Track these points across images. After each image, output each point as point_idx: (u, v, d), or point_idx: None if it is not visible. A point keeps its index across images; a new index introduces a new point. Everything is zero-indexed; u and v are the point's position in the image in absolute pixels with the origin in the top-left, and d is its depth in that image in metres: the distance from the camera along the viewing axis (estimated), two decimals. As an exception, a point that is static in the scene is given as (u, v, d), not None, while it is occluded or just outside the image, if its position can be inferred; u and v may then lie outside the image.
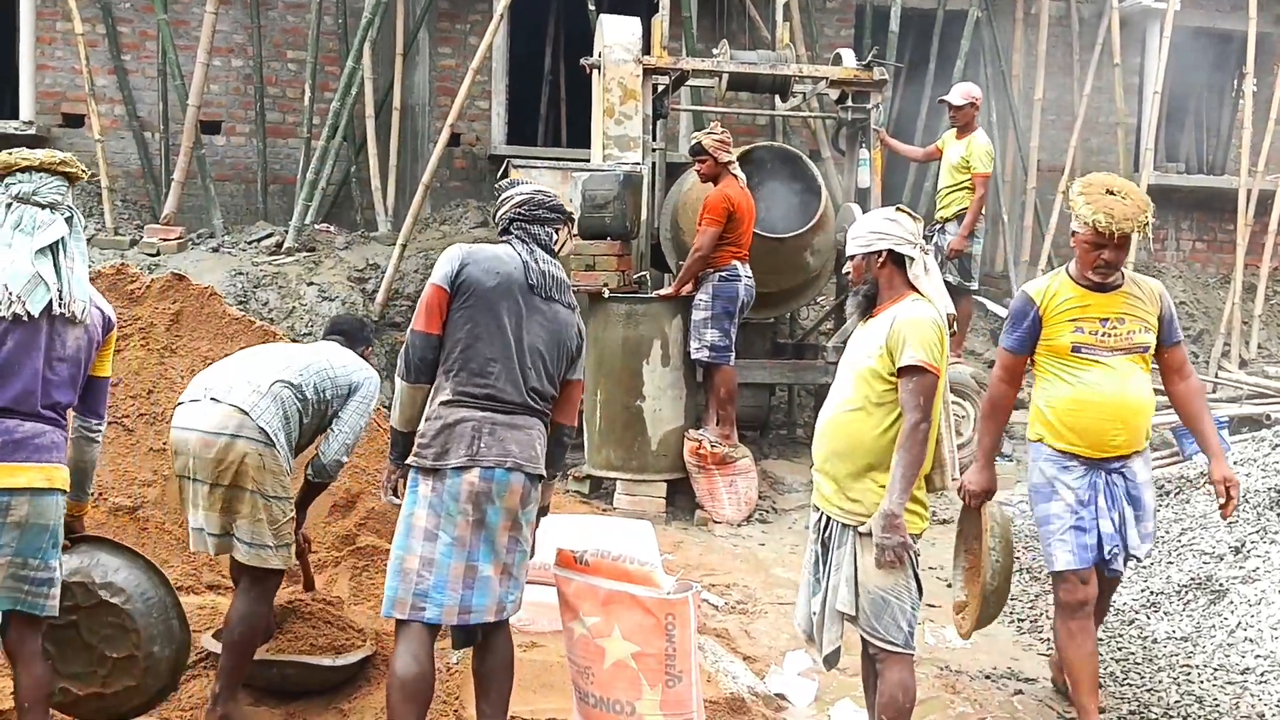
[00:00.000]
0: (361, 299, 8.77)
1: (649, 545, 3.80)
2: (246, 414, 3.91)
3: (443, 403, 3.41)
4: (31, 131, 9.75)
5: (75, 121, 9.98)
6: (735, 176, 6.98)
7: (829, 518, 3.75)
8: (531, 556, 3.57)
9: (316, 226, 9.64)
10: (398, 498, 3.55)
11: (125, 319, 5.84)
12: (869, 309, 3.82)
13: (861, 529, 3.61)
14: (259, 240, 9.42)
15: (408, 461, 3.46)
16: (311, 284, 8.75)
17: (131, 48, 10.09)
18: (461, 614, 3.32)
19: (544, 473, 3.50)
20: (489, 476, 3.33)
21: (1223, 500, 4.05)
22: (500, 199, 3.71)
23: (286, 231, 9.35)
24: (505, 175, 8.18)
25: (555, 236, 3.66)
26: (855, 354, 3.76)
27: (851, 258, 3.84)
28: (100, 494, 5.26)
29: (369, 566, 5.49)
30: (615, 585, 3.48)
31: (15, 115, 10.10)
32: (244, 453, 3.88)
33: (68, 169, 3.51)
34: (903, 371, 3.57)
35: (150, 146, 10.04)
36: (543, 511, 3.65)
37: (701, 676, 3.92)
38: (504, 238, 3.65)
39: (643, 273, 7.54)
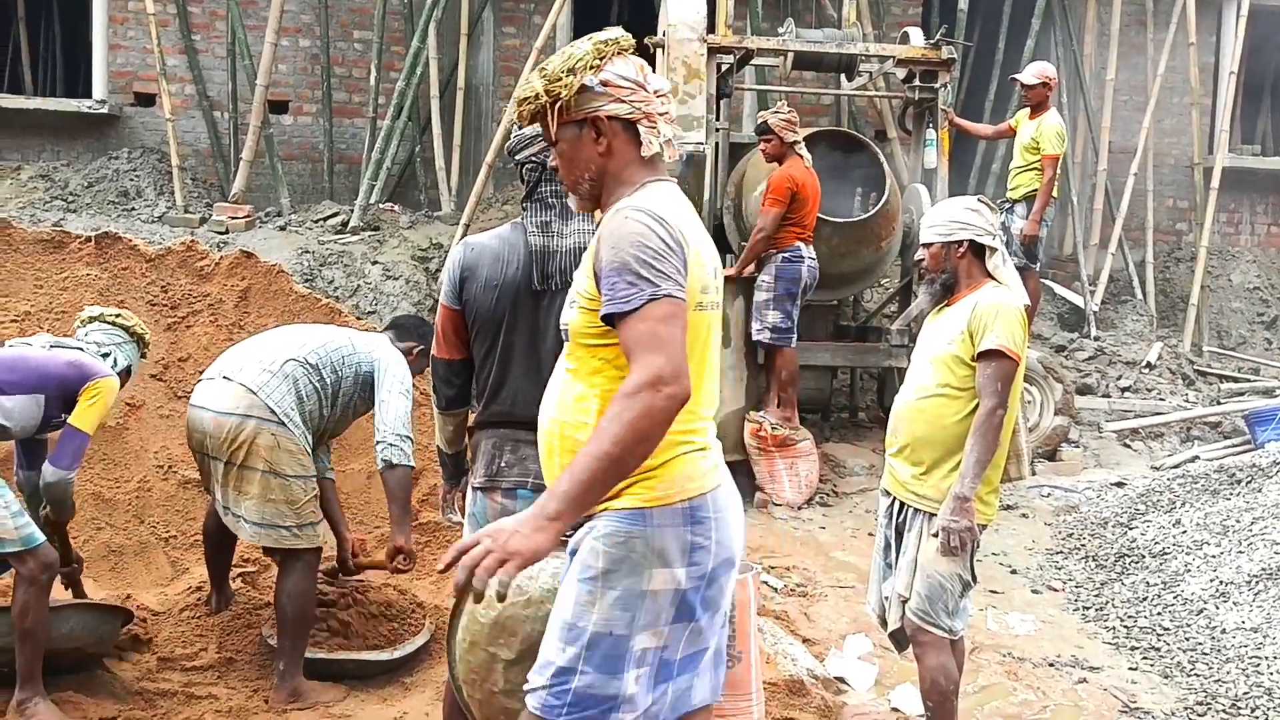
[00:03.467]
0: (425, 278, 8.82)
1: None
2: (254, 394, 3.96)
3: (472, 425, 3.23)
4: (104, 110, 9.92)
5: (146, 101, 10.13)
6: (800, 157, 6.92)
7: (902, 503, 3.73)
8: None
9: (381, 206, 9.72)
10: (457, 515, 3.42)
11: (195, 295, 5.95)
12: (944, 298, 3.78)
13: (934, 521, 3.59)
14: (325, 219, 9.52)
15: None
16: (376, 263, 8.81)
17: (202, 28, 10.22)
18: None
19: None
20: (511, 497, 3.07)
21: None
22: (523, 134, 3.06)
23: (352, 211, 9.44)
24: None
25: None
26: (933, 341, 3.72)
27: (928, 245, 3.78)
28: (170, 467, 5.36)
29: (430, 542, 5.56)
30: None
31: (89, 94, 10.27)
32: (256, 432, 3.94)
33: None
34: (983, 356, 3.53)
35: (219, 125, 10.17)
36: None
37: (761, 658, 3.91)
38: (524, 204, 3.11)
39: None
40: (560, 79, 2.36)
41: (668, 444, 2.24)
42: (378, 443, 4.10)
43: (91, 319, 4.24)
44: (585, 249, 2.89)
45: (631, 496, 2.28)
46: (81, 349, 4.05)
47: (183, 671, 4.18)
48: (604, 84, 2.37)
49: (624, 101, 2.38)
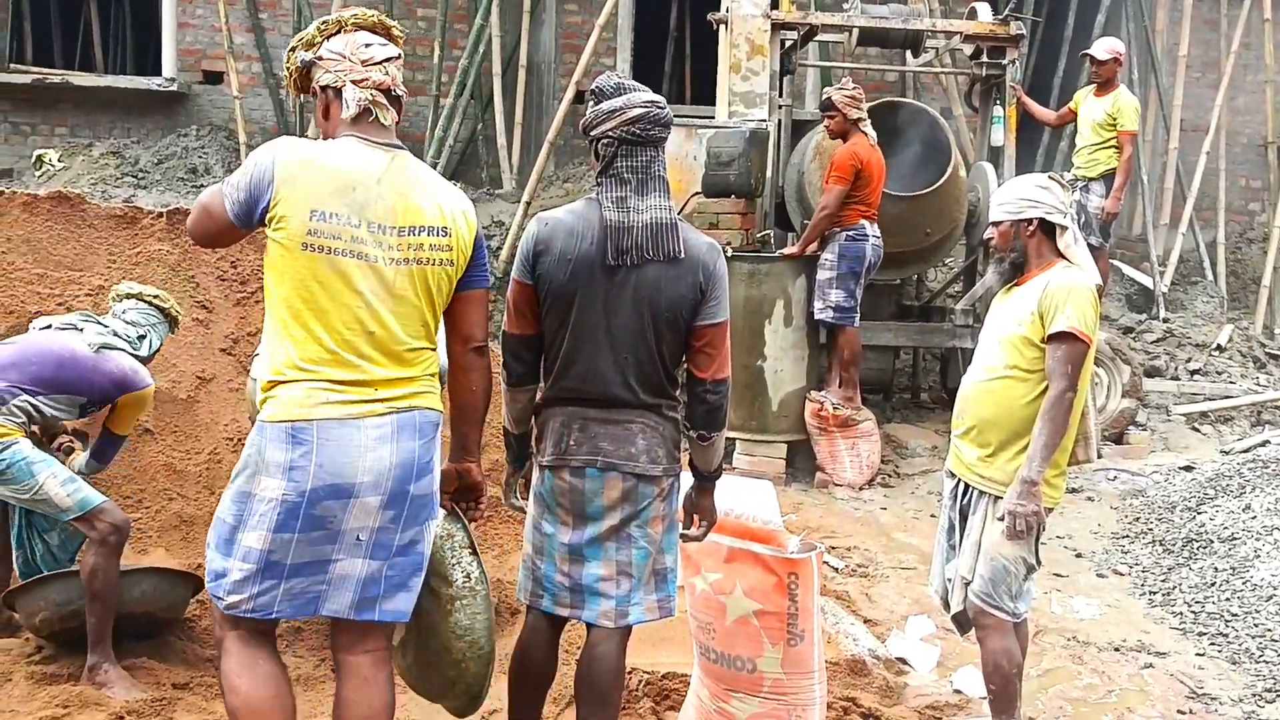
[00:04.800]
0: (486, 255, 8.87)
1: (770, 505, 3.76)
2: None
3: (539, 403, 3.19)
4: (173, 88, 10.06)
5: (214, 78, 10.26)
6: (865, 134, 6.85)
7: (966, 485, 3.70)
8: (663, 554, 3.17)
9: (443, 183, 9.77)
10: (518, 500, 3.34)
11: (263, 271, 6.03)
12: (1013, 277, 3.73)
13: (1000, 504, 3.56)
14: (388, 196, 9.59)
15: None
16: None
17: (268, 6, 10.31)
18: (572, 609, 3.10)
19: (652, 471, 3.06)
20: (579, 476, 3.05)
21: None
22: (599, 110, 3.04)
23: (415, 188, 9.49)
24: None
25: (664, 159, 3.08)
26: (1002, 321, 3.68)
27: (997, 223, 3.73)
28: (240, 439, 5.45)
29: (493, 517, 5.60)
30: (738, 543, 3.47)
31: (158, 72, 10.43)
32: None
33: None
34: (1053, 338, 3.49)
35: (285, 103, 10.28)
36: (714, 475, 3.24)
37: (822, 638, 3.90)
38: (598, 179, 3.06)
39: (766, 231, 7.47)
40: (288, 56, 2.85)
41: (291, 369, 2.64)
42: None
43: (129, 295, 4.30)
44: (662, 224, 2.97)
45: (261, 410, 2.68)
46: (115, 336, 4.12)
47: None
48: (319, 59, 2.78)
49: (330, 72, 2.76)
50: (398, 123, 2.85)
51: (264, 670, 2.74)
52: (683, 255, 3.01)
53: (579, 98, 9.95)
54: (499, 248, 8.98)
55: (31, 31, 11.80)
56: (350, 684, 2.81)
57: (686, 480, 3.28)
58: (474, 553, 2.97)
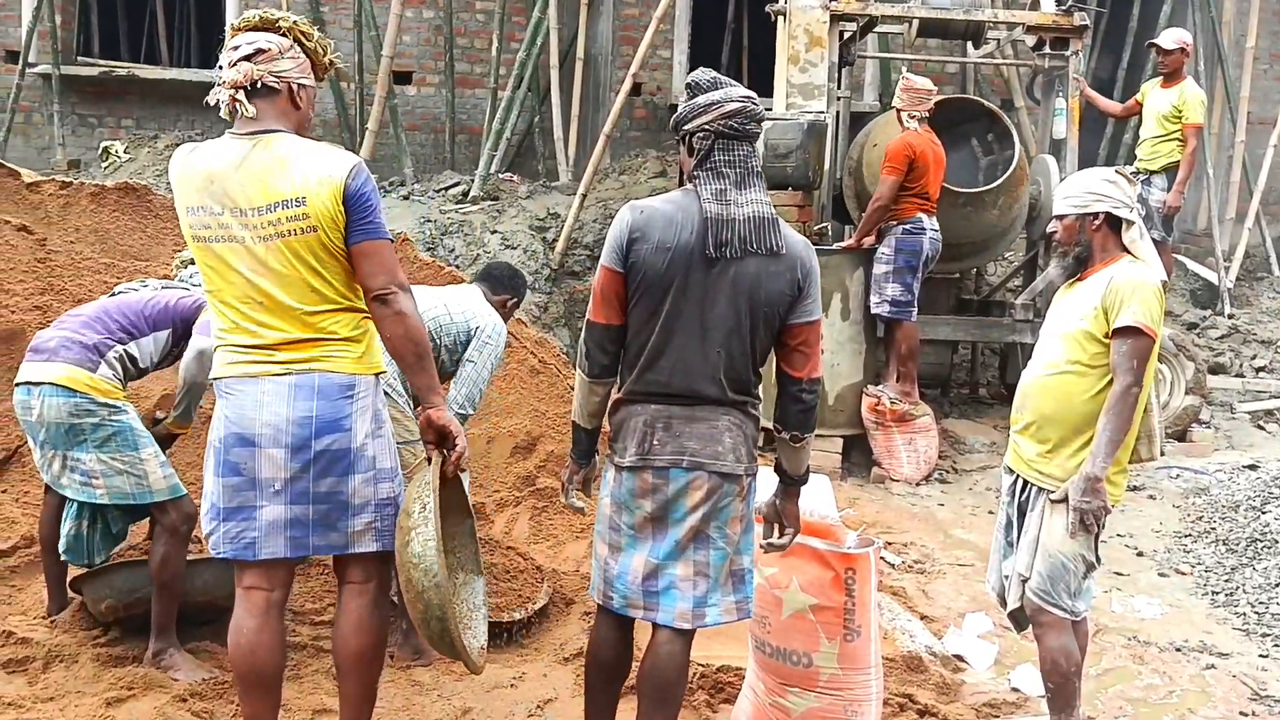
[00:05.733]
0: (542, 248, 8.91)
1: (827, 499, 3.75)
2: None
3: (616, 399, 3.13)
4: (236, 82, 10.19)
5: (276, 72, 10.35)
6: (906, 126, 6.81)
7: (1025, 481, 3.66)
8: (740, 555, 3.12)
9: (501, 176, 9.82)
10: (579, 501, 3.29)
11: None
12: (1077, 271, 3.68)
13: (1054, 495, 3.52)
14: (446, 188, 9.66)
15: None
16: (495, 232, 8.92)
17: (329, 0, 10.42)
18: (646, 610, 3.05)
19: (736, 470, 3.03)
20: (663, 476, 3.01)
21: None
22: (695, 103, 3.03)
23: (472, 180, 9.55)
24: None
25: (758, 153, 3.09)
26: (1064, 316, 3.64)
27: (1061, 217, 3.68)
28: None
29: (548, 508, 5.64)
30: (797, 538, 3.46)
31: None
32: None
33: None
34: (1118, 333, 3.44)
35: (345, 96, 10.38)
36: (802, 480, 3.20)
37: (879, 633, 3.88)
38: (695, 172, 3.03)
39: (824, 224, 7.43)
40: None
41: (218, 337, 3.03)
42: (456, 389, 4.15)
43: (192, 261, 4.35)
44: (763, 219, 2.96)
45: None
46: (188, 289, 4.19)
47: (312, 625, 4.31)
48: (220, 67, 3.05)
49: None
50: (299, 108, 3.07)
51: (249, 626, 3.04)
52: (783, 250, 3.00)
53: (635, 90, 9.98)
54: (554, 239, 9.02)
55: (99, 25, 12.00)
56: (338, 613, 3.14)
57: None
58: (434, 491, 2.94)
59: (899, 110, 6.90)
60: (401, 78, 10.32)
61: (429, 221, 8.89)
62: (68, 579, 4.17)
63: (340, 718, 3.17)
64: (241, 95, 2.96)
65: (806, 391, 3.10)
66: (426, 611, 2.95)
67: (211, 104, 3.03)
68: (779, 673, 3.51)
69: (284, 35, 3.04)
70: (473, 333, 4.24)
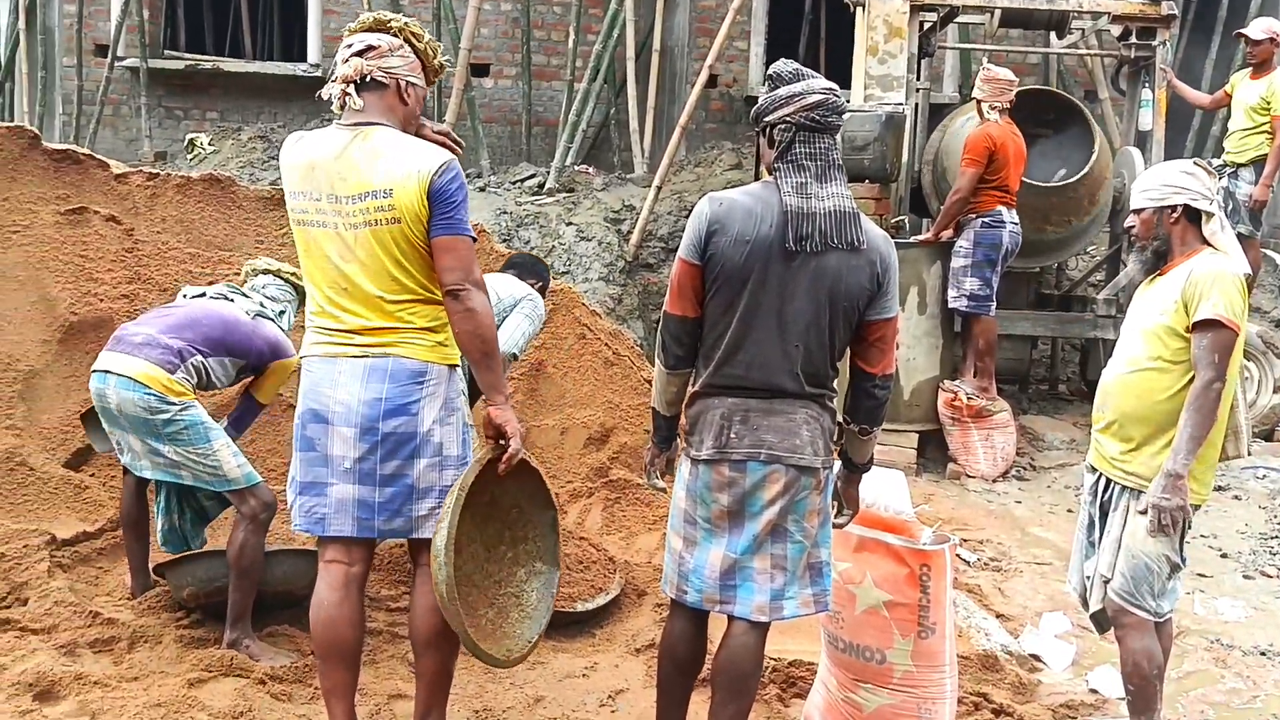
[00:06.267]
0: (616, 240, 8.93)
1: (902, 495, 3.70)
2: None
3: (693, 391, 3.14)
4: (318, 74, 10.35)
5: (356, 65, 10.49)
6: (987, 118, 6.71)
7: (1108, 480, 3.59)
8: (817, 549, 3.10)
9: (576, 168, 9.86)
10: (661, 481, 3.32)
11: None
12: (1156, 266, 3.60)
13: (1142, 498, 3.45)
14: (522, 180, 9.72)
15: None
16: (570, 224, 8.96)
17: (409, -7, 10.54)
18: (723, 604, 3.04)
19: (813, 463, 3.01)
20: (740, 470, 3.00)
21: None
22: (777, 95, 3.01)
23: (548, 172, 9.60)
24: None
25: (839, 146, 3.04)
26: (1144, 311, 3.56)
27: (1139, 210, 3.61)
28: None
29: (620, 499, 5.65)
30: (868, 532, 3.43)
31: (304, 58, 10.73)
32: None
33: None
34: (1198, 326, 3.35)
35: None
36: (865, 467, 3.24)
37: (954, 631, 3.84)
38: (775, 164, 3.00)
39: (901, 217, 7.35)
40: None
41: (309, 318, 3.18)
42: None
43: (265, 271, 4.45)
44: (845, 212, 2.94)
45: None
46: (262, 307, 4.27)
47: (388, 612, 4.38)
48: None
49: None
50: (408, 100, 3.19)
51: (329, 599, 3.14)
52: (864, 245, 2.97)
53: (711, 82, 9.94)
54: (629, 231, 9.02)
55: (185, 19, 12.25)
56: (413, 595, 3.23)
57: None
58: (462, 489, 3.00)
59: (979, 101, 6.81)
60: (479, 70, 10.40)
61: (505, 213, 8.95)
62: (150, 562, 4.28)
63: (416, 697, 3.22)
64: (351, 89, 3.09)
65: (880, 387, 3.10)
66: (438, 602, 3.02)
67: (324, 97, 3.17)
68: (852, 668, 3.49)
69: (395, 35, 3.18)
70: (516, 304, 4.44)
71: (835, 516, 3.25)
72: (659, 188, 8.91)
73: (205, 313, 4.12)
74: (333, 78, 3.15)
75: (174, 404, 3.85)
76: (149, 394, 3.82)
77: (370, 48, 3.12)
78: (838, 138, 3.03)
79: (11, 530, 4.35)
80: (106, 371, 3.90)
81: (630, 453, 6.02)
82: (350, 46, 3.15)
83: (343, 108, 3.13)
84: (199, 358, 3.98)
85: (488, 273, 4.25)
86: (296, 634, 4.11)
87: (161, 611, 4.15)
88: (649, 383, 6.39)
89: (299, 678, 3.77)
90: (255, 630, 3.98)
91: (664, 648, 3.22)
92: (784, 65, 3.06)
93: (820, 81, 3.02)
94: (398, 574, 4.66)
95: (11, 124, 5.38)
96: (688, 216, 9.23)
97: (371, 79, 3.11)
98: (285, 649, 4.00)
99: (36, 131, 5.39)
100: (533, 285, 4.63)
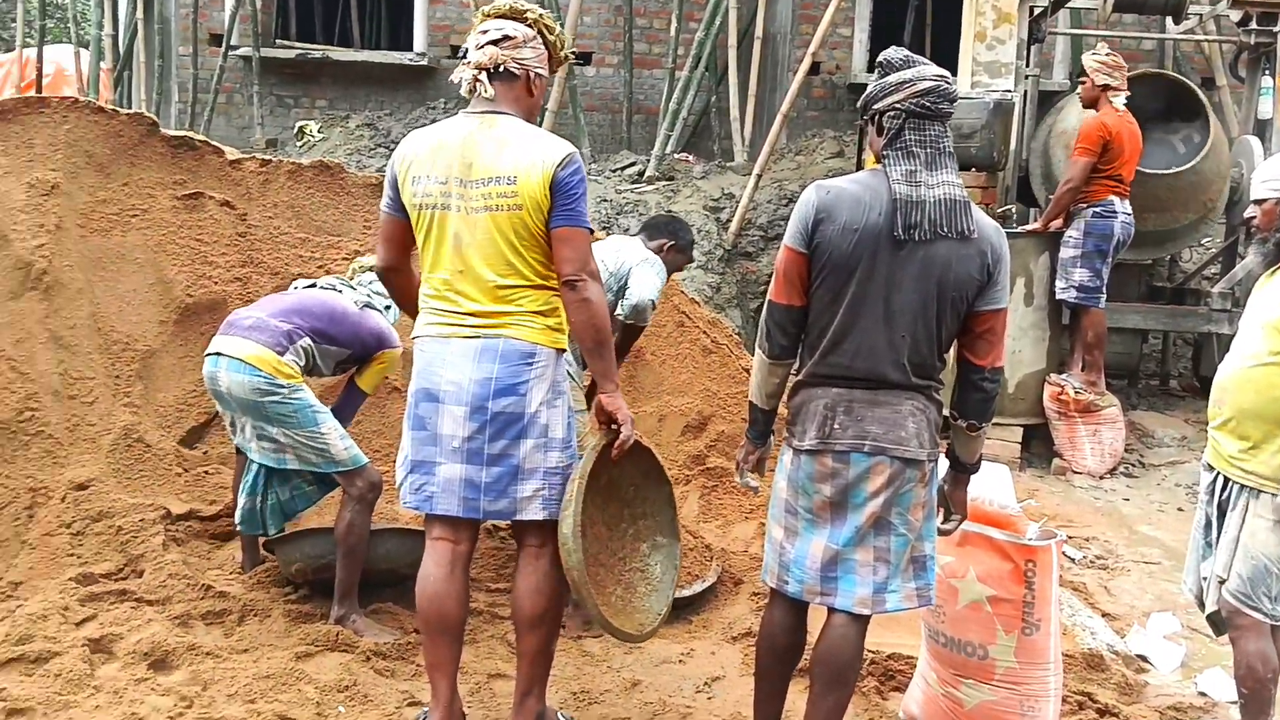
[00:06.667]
0: (716, 228, 8.90)
1: (1005, 489, 3.63)
2: None
3: (796, 382, 3.11)
4: (423, 63, 10.50)
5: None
6: (1114, 105, 6.52)
7: (1225, 479, 3.49)
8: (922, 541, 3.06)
9: (676, 156, 9.84)
10: (753, 480, 3.29)
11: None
12: (1278, 258, 3.48)
13: (1270, 496, 3.34)
14: (622, 169, 9.74)
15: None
16: (669, 212, 8.95)
17: (513, -18, 10.60)
18: (824, 595, 3.01)
19: (919, 455, 2.97)
20: (844, 461, 2.96)
21: None
22: (886, 82, 2.97)
23: (648, 160, 9.61)
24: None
25: (950, 134, 3.00)
26: (1265, 305, 3.45)
27: (1260, 201, 3.50)
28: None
29: (717, 487, 5.65)
30: (972, 526, 3.38)
31: (410, 47, 10.89)
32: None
33: None
34: None
35: (527, 77, 10.55)
36: (973, 468, 3.20)
37: (1059, 629, 3.76)
38: (884, 152, 2.97)
39: (1008, 206, 7.21)
40: None
41: (422, 300, 3.24)
42: (624, 303, 4.33)
43: (374, 268, 4.47)
44: (955, 201, 2.90)
45: None
46: (370, 299, 4.35)
47: (487, 593, 4.44)
48: (466, 50, 3.25)
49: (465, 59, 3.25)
50: (532, 95, 3.26)
51: (435, 575, 3.21)
52: (974, 234, 2.93)
53: (814, 69, 9.85)
54: (728, 220, 8.99)
55: (295, 8, 12.51)
56: (516, 576, 3.30)
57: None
58: (582, 477, 3.12)
59: (1106, 88, 6.58)
60: (581, 58, 10.44)
61: (605, 201, 8.98)
62: (260, 540, 4.40)
63: (517, 676, 3.27)
64: (484, 76, 3.16)
65: (988, 380, 3.04)
66: (571, 588, 3.16)
67: (455, 81, 3.24)
68: (953, 663, 3.45)
69: (529, 26, 3.22)
70: (626, 276, 4.40)
71: (942, 522, 3.19)
72: (759, 176, 8.86)
73: (315, 300, 4.22)
74: (465, 61, 3.20)
75: (283, 386, 3.94)
76: (258, 375, 3.92)
77: (507, 37, 3.18)
78: (949, 125, 2.98)
79: (129, 504, 4.50)
80: (219, 354, 4.01)
81: (727, 441, 6.01)
82: (486, 33, 3.20)
83: (471, 93, 3.19)
84: (307, 340, 4.07)
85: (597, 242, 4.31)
86: (399, 611, 4.19)
87: (270, 586, 4.26)
88: (747, 371, 6.37)
89: (401, 654, 3.85)
90: (360, 607, 4.07)
91: (763, 637, 3.21)
92: (895, 52, 3.03)
93: (931, 68, 2.98)
94: (498, 556, 4.72)
95: (132, 110, 5.55)
96: (787, 205, 9.21)
97: (504, 69, 3.18)
98: (388, 626, 4.08)
99: (155, 118, 5.56)
100: (663, 244, 4.66)
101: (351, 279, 4.55)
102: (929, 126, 2.94)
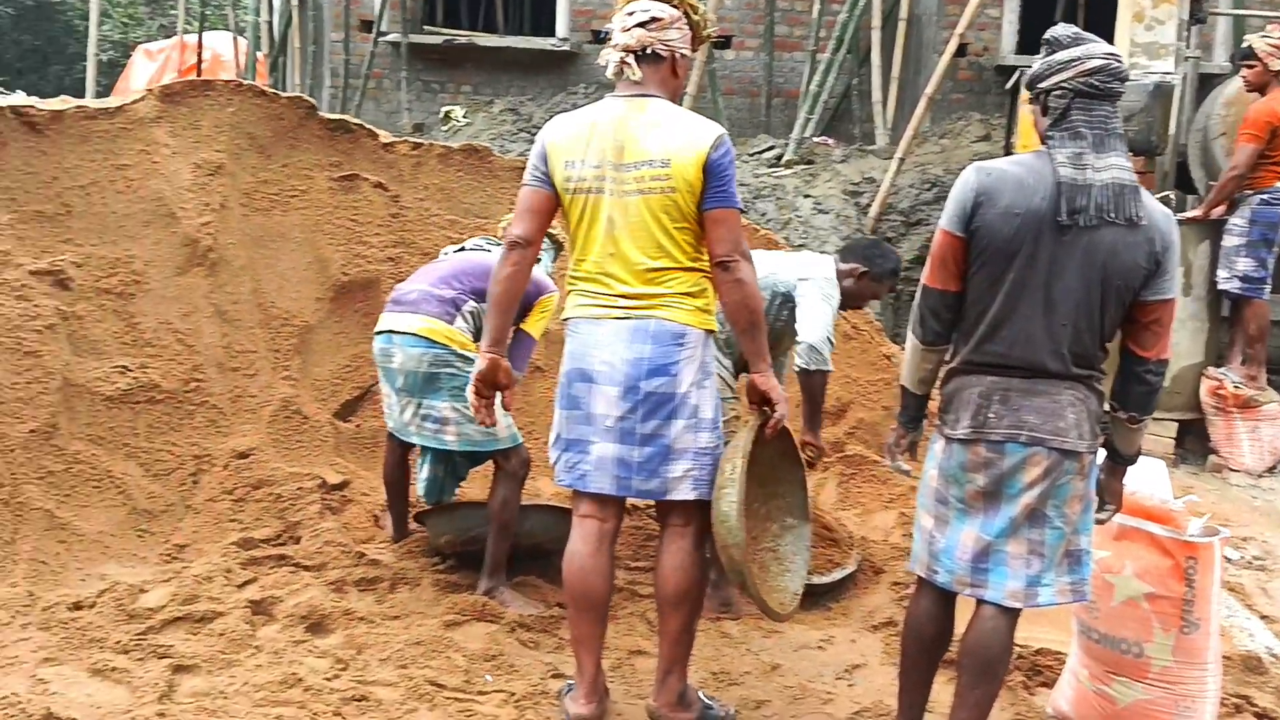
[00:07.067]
0: (855, 213, 8.80)
1: (1162, 485, 3.51)
2: None
3: (949, 369, 3.03)
4: (565, 48, 10.61)
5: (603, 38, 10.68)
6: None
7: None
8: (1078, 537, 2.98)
9: (815, 139, 9.76)
10: (905, 465, 3.25)
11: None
12: None
13: None
14: (760, 152, 9.69)
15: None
16: (807, 196, 8.88)
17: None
18: (974, 587, 2.95)
19: (1078, 447, 2.87)
20: (998, 451, 2.89)
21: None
22: (1052, 60, 2.88)
23: (787, 144, 9.54)
24: (1016, 88, 7.83)
25: (1120, 115, 2.88)
26: None
27: None
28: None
29: (856, 475, 5.61)
30: (1130, 520, 3.29)
31: (552, 33, 11.01)
32: None
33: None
34: None
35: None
36: (1131, 460, 3.08)
37: (1219, 629, 3.64)
38: (1049, 133, 2.88)
39: (1167, 193, 6.95)
40: None
41: (570, 283, 3.28)
42: (797, 344, 4.18)
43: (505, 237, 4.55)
44: (1123, 186, 2.80)
45: None
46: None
47: (627, 570, 4.49)
48: (608, 32, 3.29)
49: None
50: (677, 76, 3.28)
51: (582, 552, 3.27)
52: (1143, 221, 2.82)
53: (960, 51, 9.63)
54: (868, 204, 8.87)
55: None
56: (660, 554, 3.32)
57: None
58: (744, 455, 3.12)
59: (1267, 70, 6.30)
60: (720, 42, 10.41)
61: (742, 185, 8.95)
62: (410, 513, 4.53)
63: (659, 654, 3.31)
64: (631, 59, 3.18)
65: (1152, 373, 2.93)
66: (729, 565, 3.18)
67: (601, 64, 3.27)
68: (1106, 660, 3.36)
69: (675, 6, 3.22)
70: (793, 289, 4.24)
71: (1097, 511, 3.10)
72: (901, 160, 8.72)
73: (468, 262, 4.31)
74: (612, 44, 3.22)
75: (457, 355, 4.04)
76: (432, 347, 4.03)
77: (654, 19, 3.18)
78: (1117, 106, 2.87)
79: (287, 473, 4.68)
80: (390, 332, 4.13)
81: (867, 428, 5.96)
82: (632, 15, 3.20)
83: (618, 75, 3.21)
84: (471, 304, 4.15)
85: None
86: (543, 585, 4.27)
87: (420, 556, 4.38)
88: (887, 358, 6.30)
89: (546, 627, 3.93)
90: (507, 580, 4.16)
91: (909, 626, 3.17)
92: (1062, 29, 2.94)
93: (1101, 45, 2.88)
94: (637, 535, 4.77)
95: (293, 94, 5.75)
96: (930, 190, 9.04)
97: (651, 51, 3.19)
98: (532, 599, 4.16)
99: (314, 102, 5.74)
100: (855, 268, 4.38)
101: (500, 236, 4.63)
102: (1097, 107, 2.84)
